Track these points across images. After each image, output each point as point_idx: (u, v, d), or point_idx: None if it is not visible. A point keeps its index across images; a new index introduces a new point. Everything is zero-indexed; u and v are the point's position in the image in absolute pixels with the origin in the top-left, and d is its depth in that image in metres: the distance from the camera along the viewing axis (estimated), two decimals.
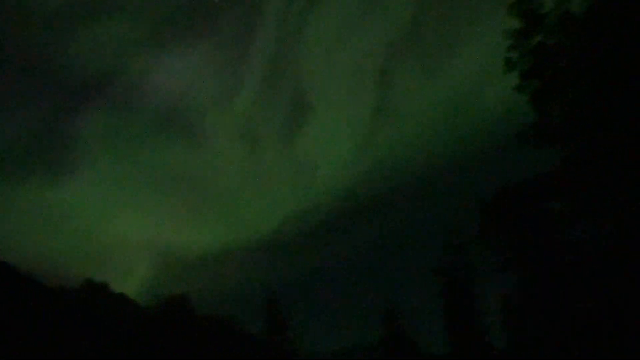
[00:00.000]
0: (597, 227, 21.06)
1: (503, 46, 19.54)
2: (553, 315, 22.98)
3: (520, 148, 20.01)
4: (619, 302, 19.04)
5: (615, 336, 19.49)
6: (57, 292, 38.90)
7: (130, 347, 36.74)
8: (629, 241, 18.94)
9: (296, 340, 37.60)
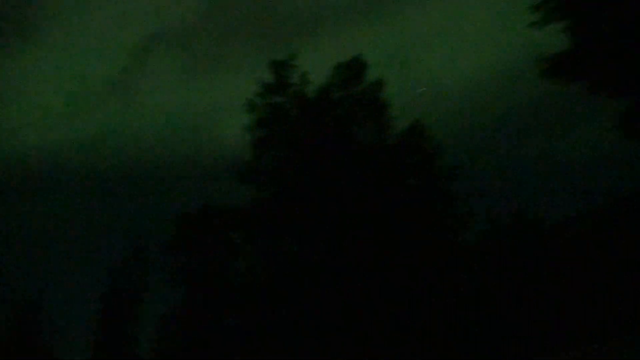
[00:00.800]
0: (264, 260, 25.49)
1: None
2: (205, 330, 25.76)
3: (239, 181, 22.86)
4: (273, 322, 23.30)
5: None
6: None
7: None
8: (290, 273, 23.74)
9: None
